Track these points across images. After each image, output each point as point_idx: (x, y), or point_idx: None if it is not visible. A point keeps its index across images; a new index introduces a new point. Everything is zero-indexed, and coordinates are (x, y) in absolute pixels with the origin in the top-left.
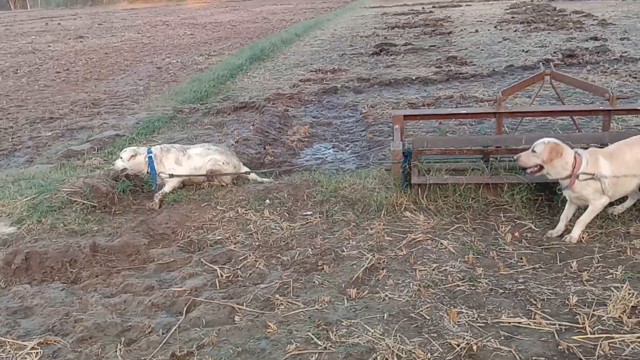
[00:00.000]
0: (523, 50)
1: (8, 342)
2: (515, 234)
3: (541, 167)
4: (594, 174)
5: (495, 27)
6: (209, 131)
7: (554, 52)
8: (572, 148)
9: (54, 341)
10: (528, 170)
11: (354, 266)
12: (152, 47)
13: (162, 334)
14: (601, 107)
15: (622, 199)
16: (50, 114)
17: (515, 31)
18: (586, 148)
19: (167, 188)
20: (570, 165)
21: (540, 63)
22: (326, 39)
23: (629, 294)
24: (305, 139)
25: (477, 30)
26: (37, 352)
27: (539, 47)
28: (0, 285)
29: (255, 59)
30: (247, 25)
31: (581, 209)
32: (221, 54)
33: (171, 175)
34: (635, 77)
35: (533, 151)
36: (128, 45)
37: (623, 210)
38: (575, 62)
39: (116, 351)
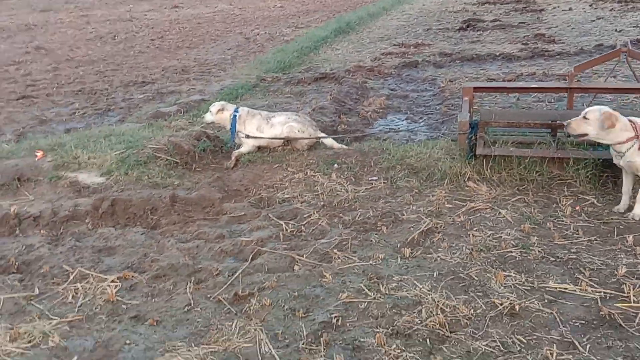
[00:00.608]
0: (616, 30)
1: (92, 275)
2: (577, 208)
3: (586, 135)
4: None
5: (590, 5)
6: (288, 99)
7: None
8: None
9: (132, 276)
10: (575, 136)
11: (411, 228)
12: (242, 18)
13: (228, 276)
14: None
15: None
16: (142, 78)
17: (611, 10)
18: None
19: (244, 149)
20: (631, 128)
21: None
22: (414, 13)
23: None
24: (380, 110)
25: (570, 9)
26: (116, 285)
27: (634, 27)
28: (88, 227)
29: (341, 32)
30: None
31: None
32: (308, 27)
33: (247, 136)
34: None
35: (585, 117)
36: (220, 16)
37: None
38: None
39: (186, 288)
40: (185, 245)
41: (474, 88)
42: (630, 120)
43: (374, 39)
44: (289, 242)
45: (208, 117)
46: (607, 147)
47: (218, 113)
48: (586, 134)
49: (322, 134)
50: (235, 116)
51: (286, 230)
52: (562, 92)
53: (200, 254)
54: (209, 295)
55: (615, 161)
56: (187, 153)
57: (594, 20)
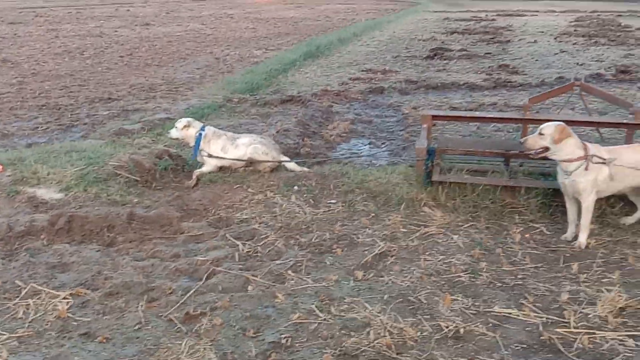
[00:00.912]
0: (577, 64)
1: (44, 291)
2: (526, 235)
3: (547, 149)
4: (605, 159)
5: (555, 38)
6: (254, 121)
7: (609, 67)
8: None
9: (84, 293)
10: (533, 152)
11: (366, 252)
12: (213, 38)
13: (181, 295)
14: (625, 121)
15: (632, 211)
16: (109, 94)
17: (574, 44)
18: None
19: (205, 168)
20: (582, 148)
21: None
22: (383, 40)
23: (619, 296)
24: (344, 134)
25: (535, 41)
26: (68, 302)
27: (595, 61)
28: (43, 243)
29: (310, 55)
30: (308, 23)
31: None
32: (279, 49)
33: (210, 155)
34: None
35: (540, 134)
36: (191, 35)
37: (634, 221)
38: (627, 79)
39: (138, 306)
40: (140, 264)
41: (432, 116)
42: (583, 142)
43: (342, 63)
44: (244, 263)
45: (173, 132)
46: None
47: (184, 129)
48: (545, 149)
49: (285, 158)
50: (200, 134)
51: (242, 250)
52: (517, 123)
53: (154, 273)
54: (160, 314)
55: (560, 180)
56: (147, 171)
57: (557, 54)
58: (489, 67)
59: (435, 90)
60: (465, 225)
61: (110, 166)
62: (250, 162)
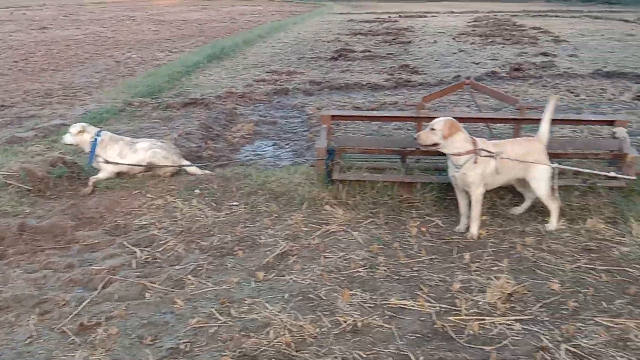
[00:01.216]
0: (474, 62)
1: None
2: (422, 229)
3: (437, 144)
4: (493, 152)
5: (454, 38)
6: (155, 124)
7: (503, 65)
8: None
9: None
10: (423, 147)
11: (268, 252)
12: (114, 41)
13: (75, 306)
14: (511, 116)
15: (520, 201)
16: (1, 102)
17: (472, 43)
18: None
19: (102, 175)
20: (471, 142)
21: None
22: (288, 41)
23: (508, 283)
24: (248, 136)
25: (435, 41)
26: None
27: (491, 59)
28: None
29: (215, 57)
30: (213, 25)
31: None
32: (182, 51)
33: (106, 161)
34: (573, 92)
35: (432, 129)
36: (91, 38)
37: (522, 211)
38: (520, 76)
39: (29, 320)
40: (32, 276)
41: (332, 116)
42: (472, 138)
43: (247, 65)
44: (142, 270)
45: (67, 138)
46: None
47: (78, 135)
48: (437, 144)
49: (186, 162)
50: (96, 139)
51: (140, 257)
52: (411, 121)
53: (47, 284)
54: (53, 327)
55: (450, 174)
56: (40, 180)
57: (455, 53)
58: (391, 67)
59: (339, 91)
60: (366, 222)
61: (0, 176)
62: (150, 167)
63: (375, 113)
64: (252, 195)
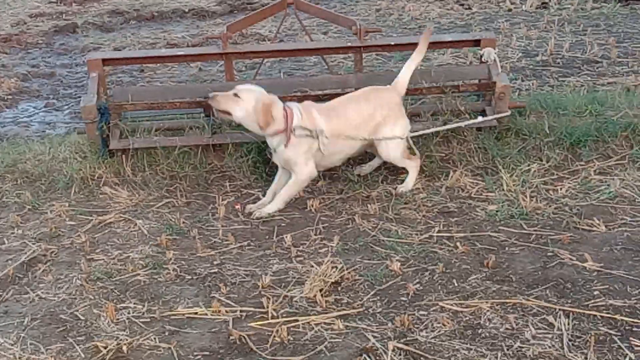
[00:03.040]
0: None
1: None
2: (236, 206)
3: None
4: (311, 130)
5: None
6: None
7: None
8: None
9: None
10: (216, 114)
11: (9, 261)
12: None
13: None
14: (349, 44)
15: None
16: None
17: None
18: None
19: None
20: (282, 120)
21: None
22: None
23: (333, 268)
24: (9, 97)
25: None
26: None
27: None
28: None
29: None
30: None
31: None
32: None
33: None
34: (463, 4)
35: (236, 95)
36: None
37: (370, 171)
38: None
39: None
40: None
41: (103, 60)
42: (286, 108)
43: None
44: None
45: None
46: None
47: None
48: (229, 113)
49: None
50: None
51: None
52: (217, 59)
53: None
54: None
55: (272, 158)
56: None
57: None
58: None
59: (151, 22)
60: (159, 205)
61: None
62: None
63: (164, 52)
64: None
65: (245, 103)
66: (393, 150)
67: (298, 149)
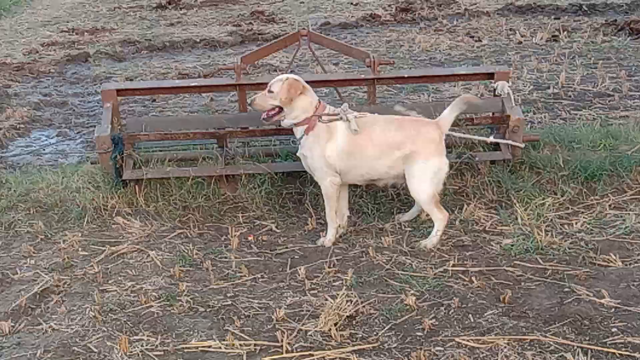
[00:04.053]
0: (351, 3)
1: None
2: (249, 238)
3: (280, 110)
4: (338, 114)
5: None
6: None
7: (389, 5)
8: None
9: None
10: (264, 115)
11: (22, 292)
12: None
13: None
14: (363, 76)
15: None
16: None
17: None
18: None
19: None
20: (313, 107)
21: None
22: None
23: (347, 302)
24: (22, 125)
25: None
26: None
27: None
28: None
29: None
30: None
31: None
32: None
33: None
34: (473, 37)
35: (270, 91)
36: None
37: (409, 219)
38: (409, 18)
39: None
40: None
41: (118, 90)
42: (320, 102)
43: (35, 23)
44: None
45: None
46: (287, 157)
47: None
48: (280, 109)
49: None
50: None
51: None
52: (230, 90)
53: None
54: None
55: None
56: None
57: None
58: (239, 15)
59: (162, 52)
60: (171, 235)
61: None
62: None
63: (178, 83)
64: (11, 210)
65: (277, 93)
66: (423, 192)
67: (318, 141)
